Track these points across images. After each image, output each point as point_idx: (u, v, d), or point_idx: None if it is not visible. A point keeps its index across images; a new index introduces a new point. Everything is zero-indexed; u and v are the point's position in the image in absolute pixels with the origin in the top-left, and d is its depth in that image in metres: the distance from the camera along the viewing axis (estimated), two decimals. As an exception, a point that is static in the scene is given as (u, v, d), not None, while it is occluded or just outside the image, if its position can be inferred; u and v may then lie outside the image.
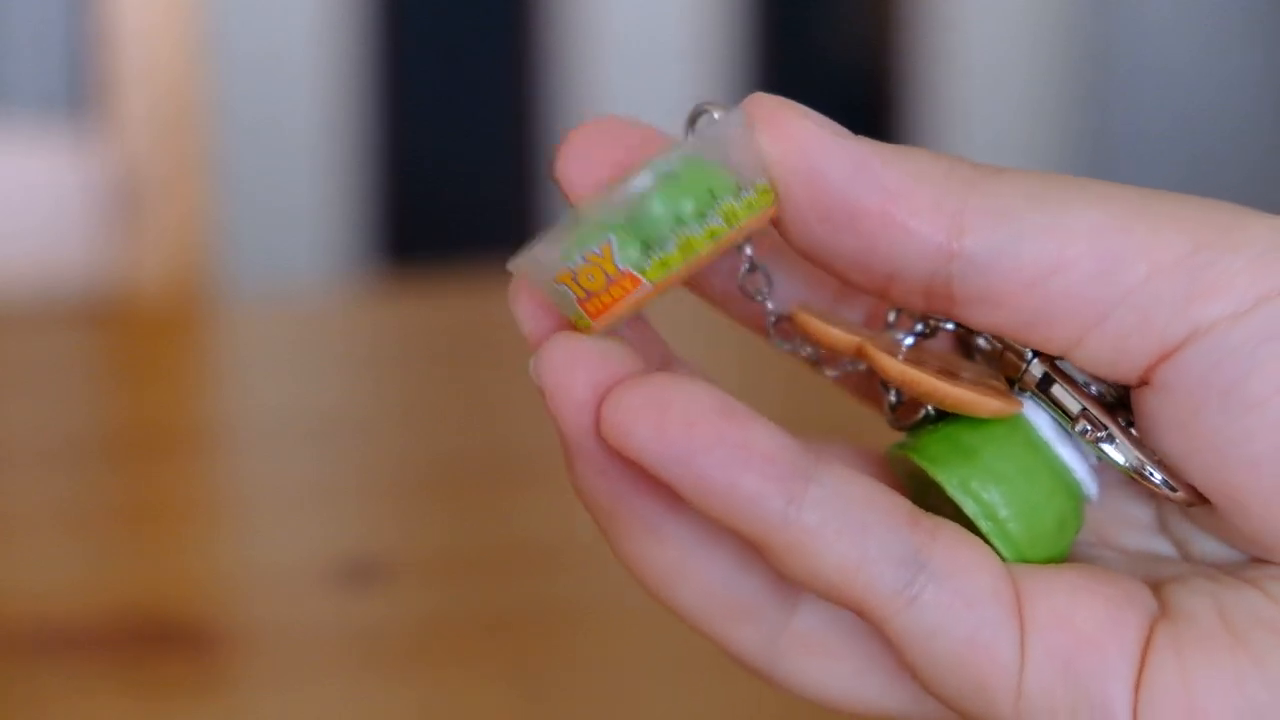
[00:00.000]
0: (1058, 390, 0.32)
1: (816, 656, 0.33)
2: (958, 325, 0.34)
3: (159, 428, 0.85)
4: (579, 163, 0.32)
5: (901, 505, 0.31)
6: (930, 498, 0.34)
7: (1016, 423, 0.33)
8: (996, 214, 0.31)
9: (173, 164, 1.09)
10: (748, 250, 0.34)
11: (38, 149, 1.10)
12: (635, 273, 0.30)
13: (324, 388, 0.91)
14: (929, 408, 0.34)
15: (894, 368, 0.32)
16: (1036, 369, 0.33)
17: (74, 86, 1.19)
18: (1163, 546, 0.35)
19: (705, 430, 0.30)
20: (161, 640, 0.65)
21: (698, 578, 0.32)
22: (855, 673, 0.33)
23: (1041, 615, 0.31)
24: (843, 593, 0.30)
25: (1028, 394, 0.33)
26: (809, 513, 0.30)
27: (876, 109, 2.04)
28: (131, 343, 0.98)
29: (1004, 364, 0.33)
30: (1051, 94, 2.05)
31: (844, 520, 0.30)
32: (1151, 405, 0.31)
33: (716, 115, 0.32)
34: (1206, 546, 0.34)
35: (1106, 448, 0.32)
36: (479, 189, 1.92)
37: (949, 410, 0.33)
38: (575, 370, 0.31)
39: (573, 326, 0.32)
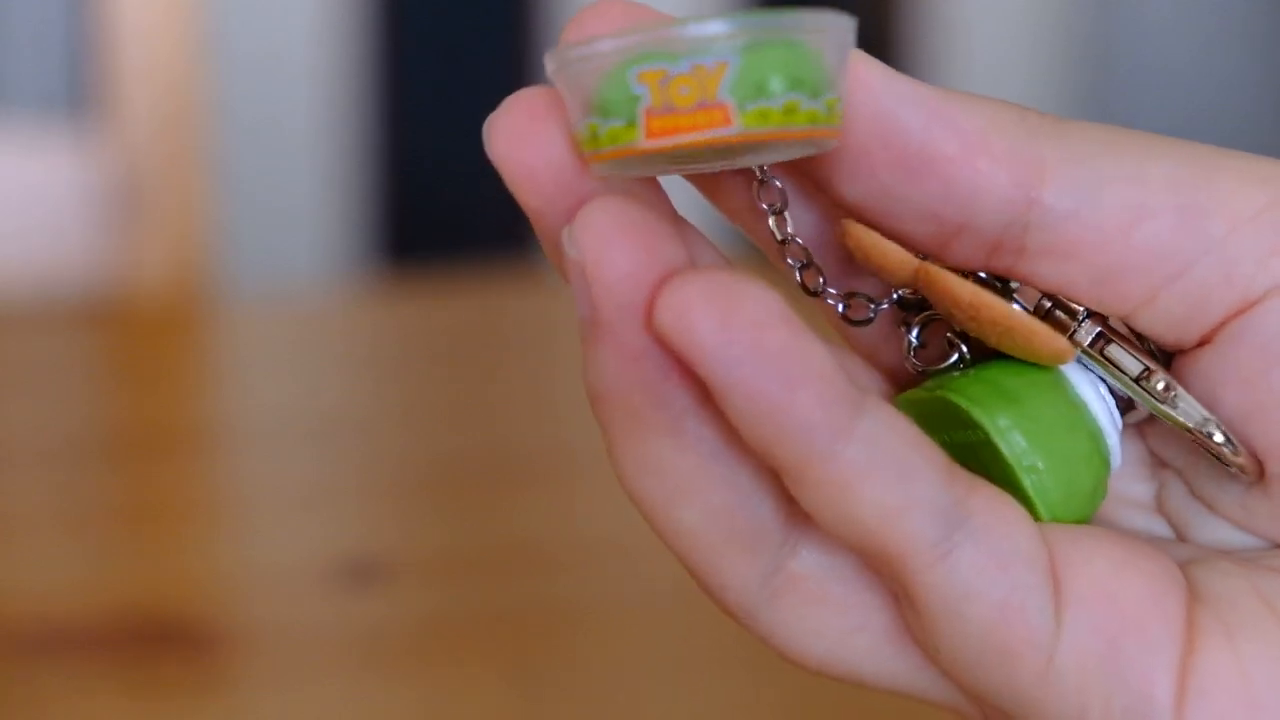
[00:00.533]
0: (1114, 350, 0.31)
1: (810, 605, 0.31)
2: (993, 278, 0.32)
3: (159, 428, 0.85)
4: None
5: (941, 454, 0.29)
6: (950, 442, 0.32)
7: (1057, 378, 0.31)
8: (1077, 161, 0.29)
9: (173, 164, 1.09)
10: (776, 183, 0.32)
11: (38, 149, 1.10)
12: (734, 109, 0.27)
13: (324, 388, 0.91)
14: (963, 349, 0.32)
15: (965, 287, 0.30)
16: (1090, 328, 0.31)
17: (74, 86, 1.19)
18: (1160, 528, 0.33)
19: (774, 337, 0.27)
20: (161, 640, 0.65)
21: (708, 493, 0.30)
22: (848, 630, 0.31)
23: (1083, 587, 0.29)
24: (875, 539, 0.28)
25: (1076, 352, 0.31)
26: (855, 448, 0.28)
27: (876, 109, 2.04)
28: (131, 343, 0.98)
29: (1050, 324, 0.31)
30: (1051, 94, 2.05)
31: (889, 461, 0.28)
32: (1208, 364, 0.30)
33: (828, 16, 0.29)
34: (1205, 533, 0.33)
35: (1167, 408, 0.31)
36: (479, 189, 1.92)
37: (1008, 345, 0.31)
38: (622, 240, 0.28)
39: (579, 156, 0.28)
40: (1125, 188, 0.29)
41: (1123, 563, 0.29)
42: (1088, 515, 0.32)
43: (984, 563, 0.29)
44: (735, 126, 0.27)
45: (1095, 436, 0.31)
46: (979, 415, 0.31)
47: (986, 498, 0.29)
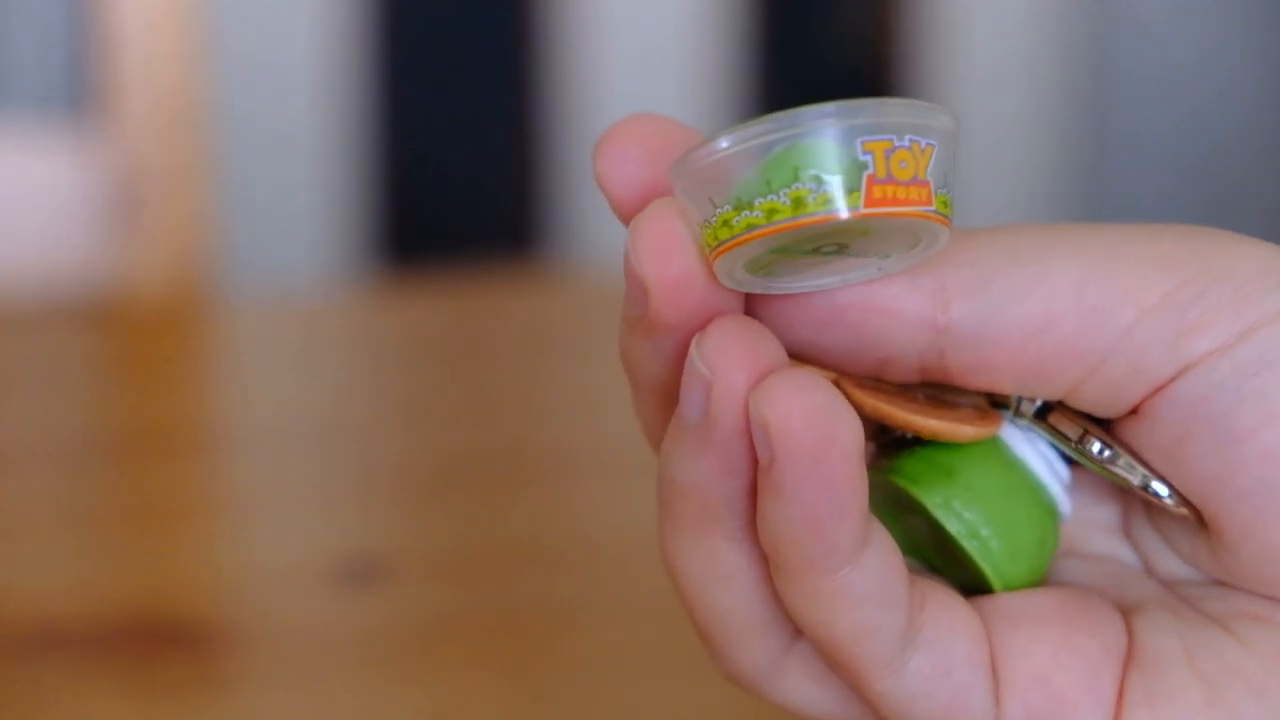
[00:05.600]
0: (1056, 418, 0.33)
1: (809, 679, 0.34)
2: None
3: (159, 428, 0.85)
4: (617, 160, 0.32)
5: (905, 574, 0.32)
6: (908, 515, 0.34)
7: (993, 442, 0.33)
8: (977, 281, 0.31)
9: (173, 164, 1.09)
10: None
11: (38, 149, 1.10)
12: (932, 189, 0.29)
13: (324, 388, 0.91)
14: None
15: (866, 402, 0.32)
16: (1029, 405, 0.33)
17: (74, 86, 1.19)
18: (1125, 553, 0.35)
19: (845, 469, 0.30)
20: (161, 640, 0.65)
21: (746, 582, 0.33)
22: (843, 698, 0.34)
23: (1021, 678, 0.32)
24: (840, 653, 0.32)
25: (1009, 413, 0.33)
26: (857, 574, 0.31)
27: (876, 109, 2.04)
28: (131, 343, 0.99)
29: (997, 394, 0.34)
30: (1051, 95, 2.05)
31: (878, 589, 0.31)
32: (1138, 433, 0.32)
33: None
34: (1161, 563, 0.34)
35: (1110, 468, 0.33)
36: (479, 190, 1.92)
37: (927, 438, 0.33)
38: (745, 362, 0.30)
39: (706, 250, 0.30)
40: (1027, 301, 0.31)
41: (1060, 645, 0.32)
42: (1041, 562, 0.34)
43: (930, 671, 0.32)
44: (931, 206, 0.29)
45: (1035, 491, 0.33)
46: (919, 495, 0.33)
47: (936, 608, 0.32)
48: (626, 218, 0.32)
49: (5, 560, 0.71)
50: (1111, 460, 0.33)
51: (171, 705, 0.61)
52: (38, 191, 1.09)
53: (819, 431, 0.29)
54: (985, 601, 0.33)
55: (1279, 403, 0.30)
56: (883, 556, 0.31)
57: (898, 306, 0.31)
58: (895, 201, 0.28)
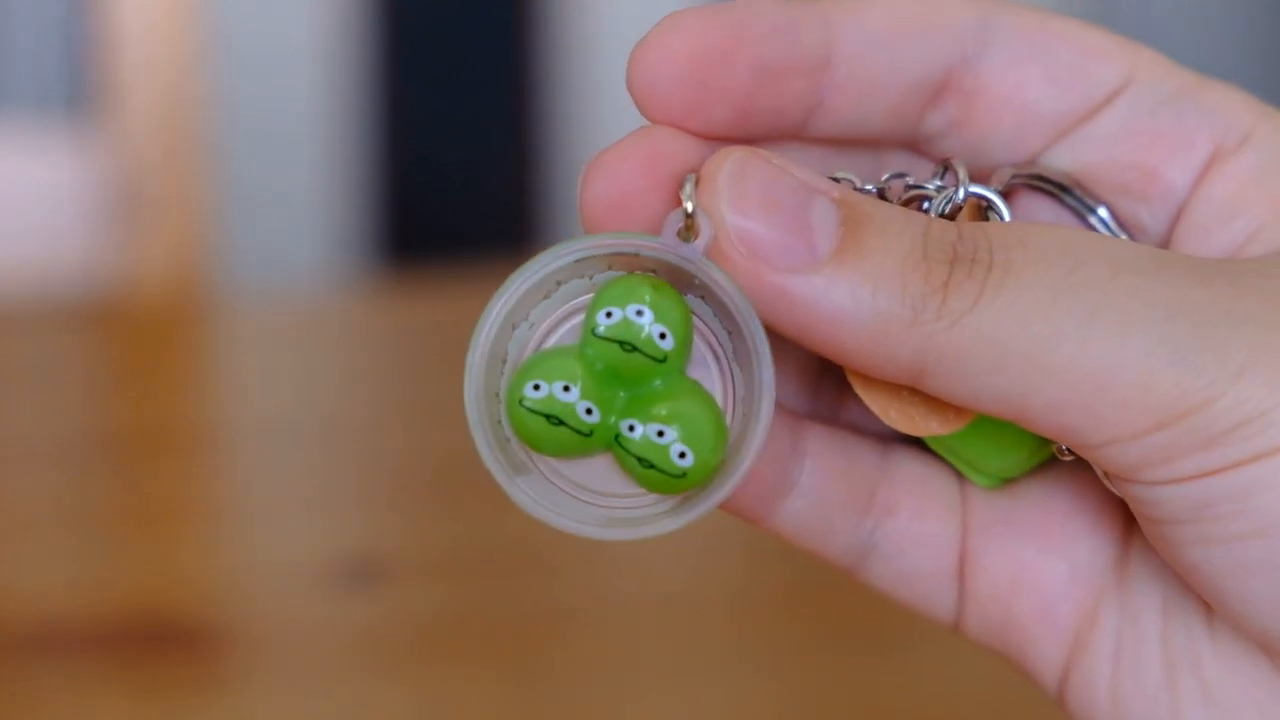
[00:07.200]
0: None
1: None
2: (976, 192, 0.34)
3: (159, 428, 0.85)
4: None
5: (867, 485, 0.34)
6: None
7: None
8: (954, 377, 0.31)
9: (173, 164, 1.09)
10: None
11: (38, 149, 1.10)
12: None
13: (324, 388, 0.91)
14: None
15: (856, 386, 0.33)
16: None
17: (74, 86, 1.20)
18: None
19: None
20: (161, 640, 0.65)
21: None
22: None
23: (981, 591, 0.34)
24: (810, 552, 0.35)
25: None
26: (788, 516, 0.34)
27: (876, 109, 2.04)
28: (131, 343, 0.99)
29: None
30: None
31: (817, 522, 0.34)
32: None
33: None
34: None
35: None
36: (479, 189, 1.92)
37: None
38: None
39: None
40: (1002, 404, 0.31)
41: (1025, 566, 0.34)
42: (1037, 458, 0.35)
43: (894, 579, 0.35)
44: None
45: None
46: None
47: (908, 516, 0.35)
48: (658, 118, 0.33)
49: (5, 560, 0.71)
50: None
51: (171, 705, 0.61)
52: (38, 191, 1.09)
53: None
54: (971, 496, 0.35)
55: (1221, 536, 0.30)
56: (808, 496, 0.34)
57: (878, 372, 0.31)
58: None
